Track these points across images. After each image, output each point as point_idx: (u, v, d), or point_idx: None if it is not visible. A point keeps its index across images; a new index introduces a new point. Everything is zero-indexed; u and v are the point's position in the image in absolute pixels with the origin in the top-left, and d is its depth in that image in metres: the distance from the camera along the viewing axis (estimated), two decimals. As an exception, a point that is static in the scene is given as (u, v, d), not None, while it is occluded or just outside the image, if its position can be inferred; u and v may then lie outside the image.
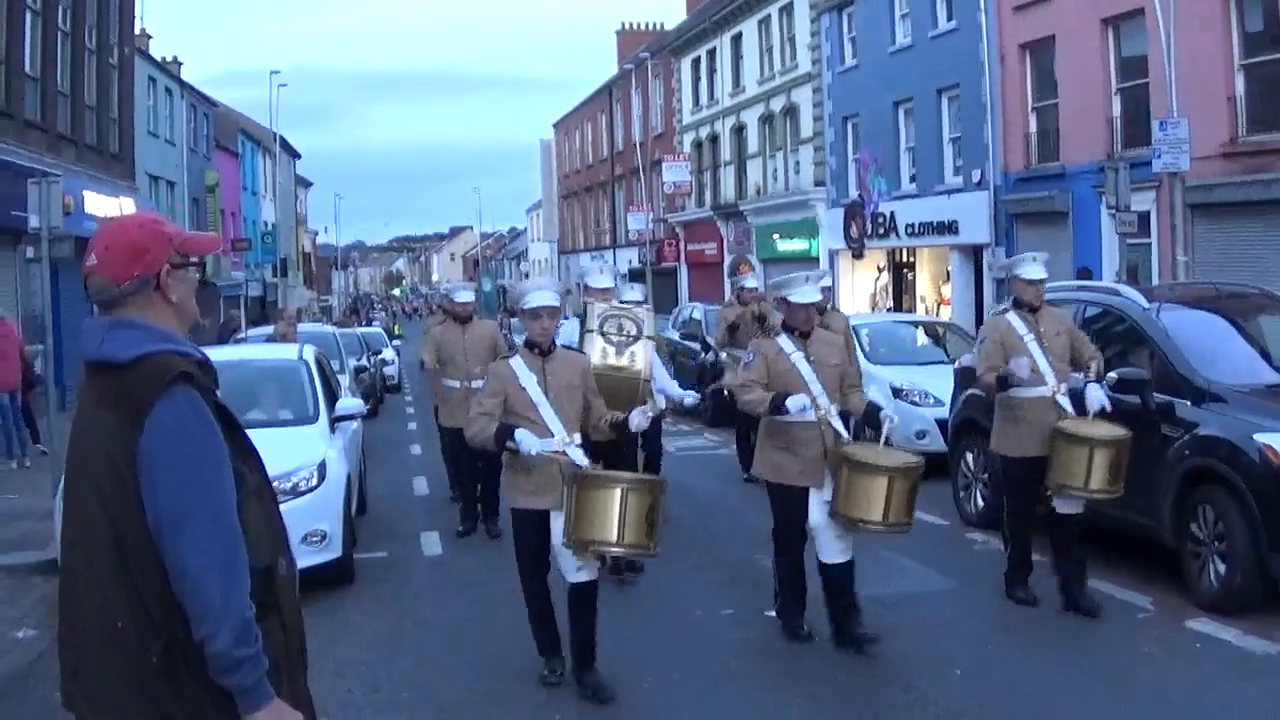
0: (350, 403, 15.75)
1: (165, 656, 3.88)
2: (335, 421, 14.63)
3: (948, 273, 40.23)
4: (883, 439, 10.28)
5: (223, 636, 3.81)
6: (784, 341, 10.64)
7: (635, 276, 68.40)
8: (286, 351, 16.90)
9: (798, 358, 10.51)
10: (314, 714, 4.29)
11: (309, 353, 16.16)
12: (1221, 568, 11.14)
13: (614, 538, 8.99)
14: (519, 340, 10.46)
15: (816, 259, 47.10)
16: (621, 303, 13.69)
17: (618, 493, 8.96)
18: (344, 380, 21.85)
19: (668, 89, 66.77)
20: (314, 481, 12.76)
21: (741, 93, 55.88)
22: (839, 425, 10.48)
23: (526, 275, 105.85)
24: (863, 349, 20.82)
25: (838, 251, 45.24)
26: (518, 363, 9.57)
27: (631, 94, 71.27)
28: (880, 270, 45.28)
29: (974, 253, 37.65)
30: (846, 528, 10.30)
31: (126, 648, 3.90)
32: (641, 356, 12.37)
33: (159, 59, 56.77)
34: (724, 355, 20.52)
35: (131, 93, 42.86)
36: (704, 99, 61.44)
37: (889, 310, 41.11)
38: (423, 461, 23.28)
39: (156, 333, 4.06)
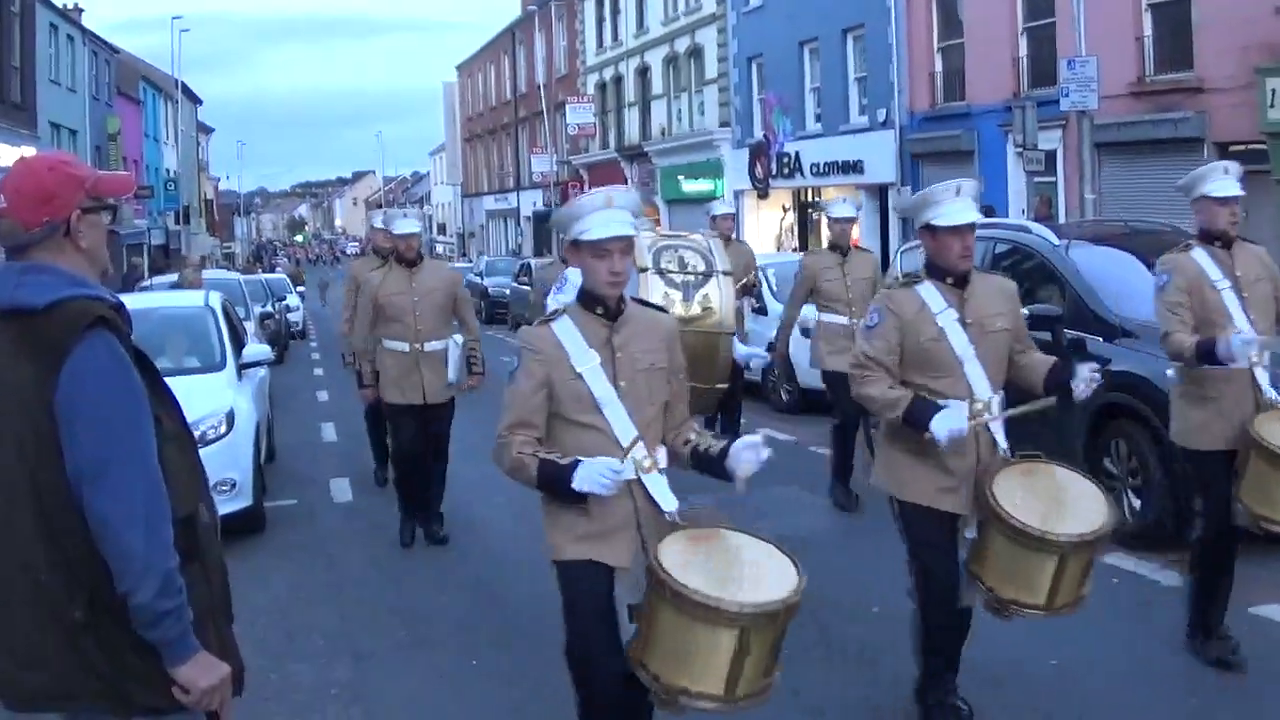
0: (257, 349, 15.61)
1: (89, 611, 3.81)
2: (242, 369, 14.49)
3: (854, 212, 40.25)
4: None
5: (145, 589, 3.74)
6: (928, 293, 7.07)
7: (540, 219, 68.39)
8: (192, 299, 16.70)
9: (949, 320, 7.02)
10: (242, 663, 4.21)
11: (215, 300, 15.96)
12: (1136, 502, 11.22)
13: (720, 691, 5.33)
14: (560, 297, 8.84)
15: (721, 199, 46.99)
16: (671, 233, 11.06)
17: (731, 636, 5.27)
18: (250, 327, 21.64)
19: (571, 30, 66.51)
20: (223, 429, 12.63)
21: (646, 34, 55.71)
22: (999, 432, 7.19)
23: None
24: (770, 289, 20.77)
25: (743, 192, 45.27)
26: (568, 332, 5.87)
27: (535, 36, 70.98)
28: (785, 210, 45.36)
29: (879, 192, 37.78)
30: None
31: (50, 603, 3.83)
32: (720, 300, 9.78)
33: (60, 5, 56.06)
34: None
35: (33, 41, 42.39)
36: (608, 40, 61.22)
37: (795, 250, 41.18)
38: (329, 408, 23.16)
39: (71, 277, 3.94)
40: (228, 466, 12.34)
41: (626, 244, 5.82)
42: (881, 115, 37.12)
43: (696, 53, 50.55)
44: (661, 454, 5.93)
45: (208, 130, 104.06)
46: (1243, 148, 23.91)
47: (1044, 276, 13.16)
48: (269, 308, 33.99)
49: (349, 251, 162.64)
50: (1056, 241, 13.25)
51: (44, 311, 3.83)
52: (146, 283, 30.10)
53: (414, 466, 12.61)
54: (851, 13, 38.26)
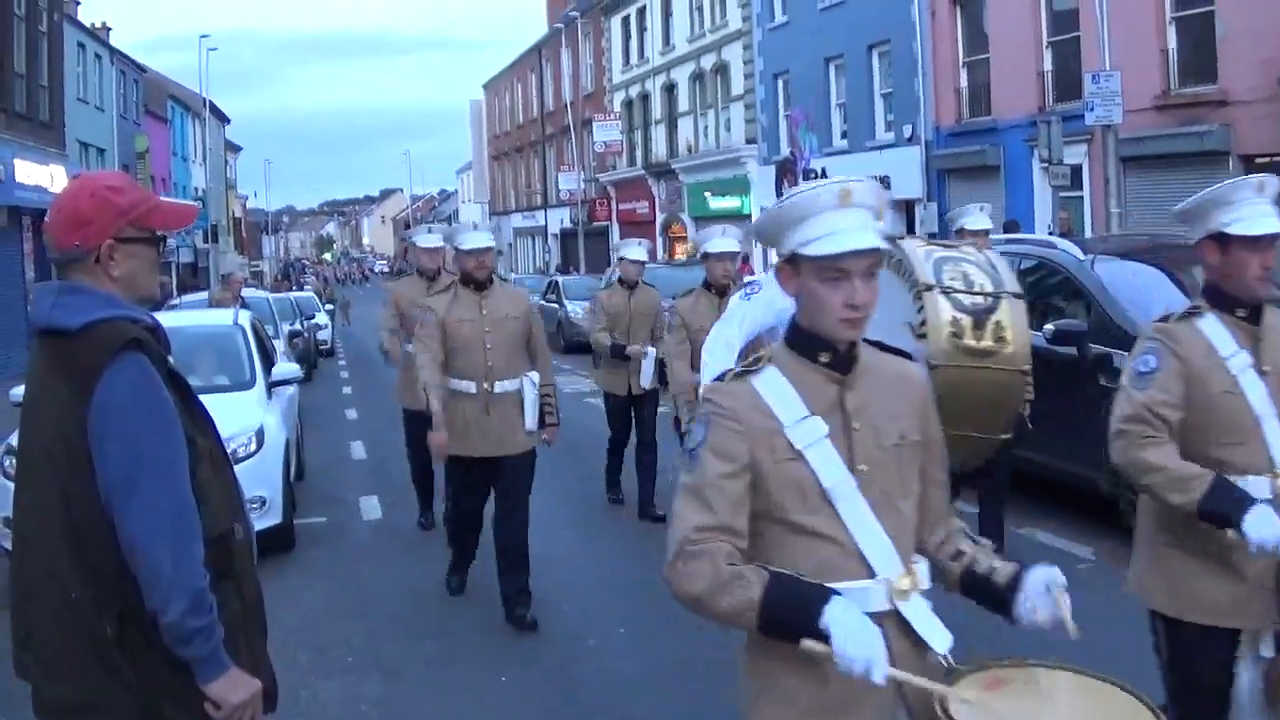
0: (287, 368, 15.64)
1: (119, 626, 3.84)
2: (272, 387, 14.53)
3: (880, 228, 40.32)
4: None
5: (175, 607, 3.77)
6: (1213, 328, 5.21)
7: (567, 236, 68.41)
8: (223, 317, 16.75)
9: (1242, 365, 5.17)
10: (274, 679, 4.25)
11: (245, 318, 16.03)
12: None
13: None
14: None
15: (748, 216, 47.19)
16: (939, 240, 8.98)
17: None
18: (279, 345, 21.72)
19: (598, 48, 66.61)
20: (252, 447, 12.67)
21: (672, 51, 55.81)
22: None
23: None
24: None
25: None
26: (778, 389, 3.81)
27: (561, 53, 71.02)
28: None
29: (906, 208, 37.79)
30: None
31: (80, 617, 3.85)
32: (1014, 328, 7.56)
33: (88, 25, 56.30)
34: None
35: (61, 60, 42.50)
36: (634, 58, 61.34)
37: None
38: (358, 426, 23.18)
39: (106, 299, 3.97)
40: (258, 484, 12.36)
41: (874, 261, 3.79)
42: (908, 131, 37.12)
43: (723, 69, 50.61)
44: (923, 569, 3.92)
45: (235, 148, 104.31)
46: (1268, 160, 23.88)
47: (1069, 292, 13.16)
48: (298, 326, 34.05)
49: (377, 269, 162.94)
50: (1082, 257, 13.26)
51: (78, 333, 3.87)
52: (176, 301, 30.17)
53: (474, 530, 10.88)
54: (877, 29, 38.29)
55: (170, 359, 4.09)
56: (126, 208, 4.03)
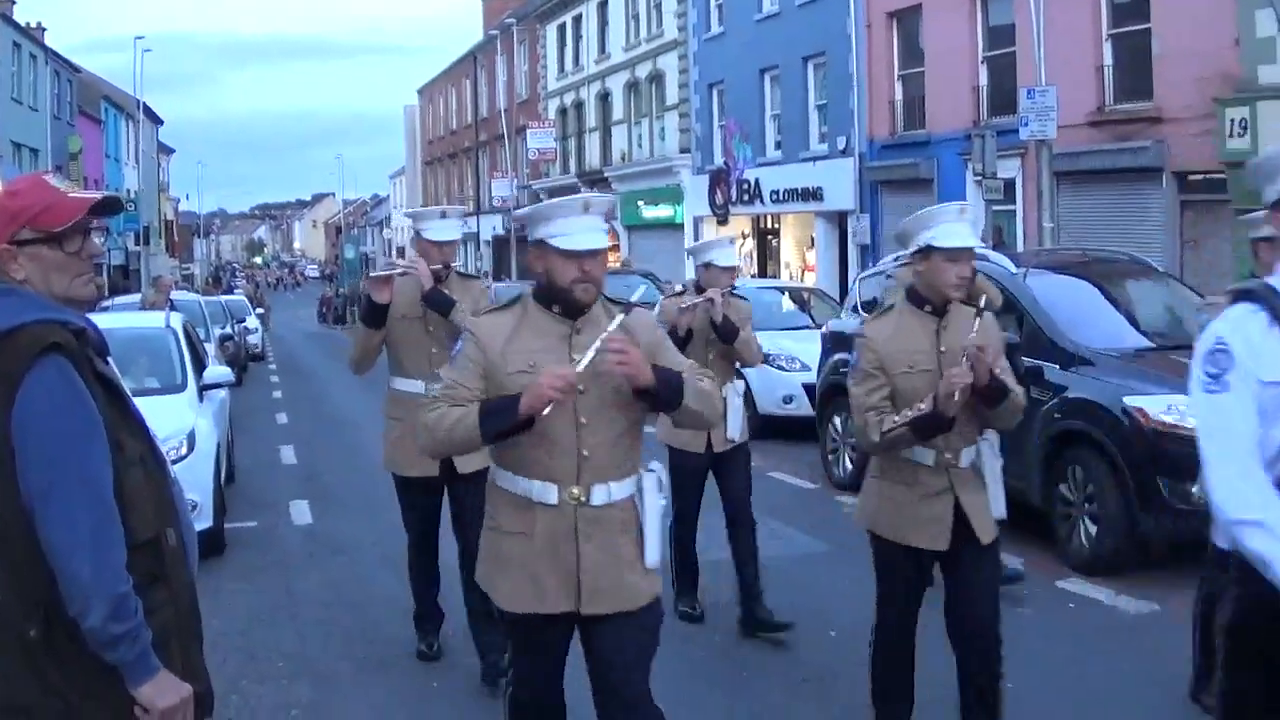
0: (218, 371, 15.60)
1: (45, 629, 3.82)
2: (203, 390, 14.47)
3: (812, 239, 40.51)
4: None
5: (95, 613, 3.75)
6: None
7: (500, 243, 68.34)
8: (154, 319, 16.68)
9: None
10: (209, 684, 4.22)
11: (176, 321, 15.96)
12: (1093, 529, 11.35)
13: None
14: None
15: (681, 225, 47.34)
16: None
17: None
18: (210, 349, 21.64)
19: (533, 55, 66.59)
20: (183, 450, 12.60)
21: (607, 59, 55.83)
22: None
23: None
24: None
25: (702, 218, 45.43)
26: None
27: (497, 60, 70.90)
28: (745, 236, 45.52)
29: (839, 219, 37.95)
30: None
31: (6, 622, 3.83)
32: None
33: (23, 24, 55.97)
34: None
35: (-6, 59, 42.23)
36: (569, 65, 61.34)
37: (753, 276, 41.26)
38: (289, 430, 23.19)
39: (35, 301, 3.95)
40: (189, 488, 12.06)
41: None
42: (841, 143, 37.25)
43: (658, 79, 50.67)
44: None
45: (168, 151, 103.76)
46: (1201, 176, 24.15)
47: (1002, 305, 13.25)
48: (228, 329, 33.95)
49: (308, 274, 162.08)
50: (1014, 270, 13.35)
51: (3, 338, 3.85)
52: (107, 303, 30.00)
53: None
54: (812, 41, 38.40)
55: (101, 361, 4.06)
56: (17, 211, 4.01)
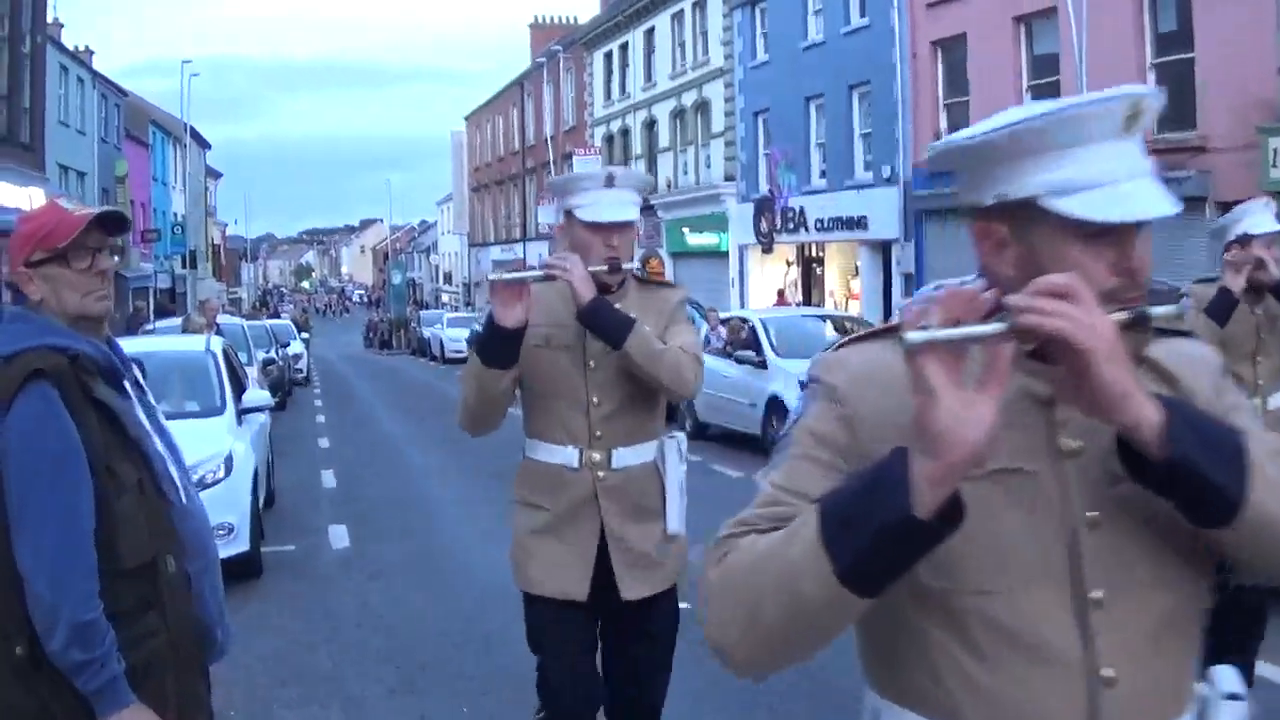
0: (257, 395, 15.66)
1: (30, 649, 3.83)
2: (242, 413, 14.52)
3: (856, 268, 40.46)
4: None
5: (56, 639, 3.76)
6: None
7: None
8: (194, 343, 16.75)
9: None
10: (209, 716, 4.23)
11: (216, 344, 16.02)
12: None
13: None
14: None
15: (726, 253, 47.38)
16: None
17: None
18: (251, 373, 21.71)
19: (580, 83, 66.79)
20: (221, 474, 12.66)
21: (653, 87, 55.94)
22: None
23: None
24: (770, 343, 21.10)
25: (747, 246, 45.41)
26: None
27: (543, 87, 71.20)
28: (789, 265, 45.47)
29: (883, 248, 37.88)
30: None
31: None
32: None
33: (71, 48, 56.37)
34: None
35: (43, 82, 42.52)
36: (615, 93, 61.48)
37: (798, 304, 41.20)
38: (330, 455, 23.23)
39: (40, 327, 4.02)
40: (225, 510, 12.34)
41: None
42: (886, 171, 37.24)
43: (703, 107, 50.75)
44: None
45: (216, 175, 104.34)
46: (1244, 207, 24.01)
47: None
48: (272, 353, 33.99)
49: (355, 299, 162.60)
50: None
51: (4, 362, 3.92)
52: (150, 326, 30.15)
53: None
54: (858, 70, 38.44)
55: (106, 385, 4.07)
56: (29, 234, 4.14)
